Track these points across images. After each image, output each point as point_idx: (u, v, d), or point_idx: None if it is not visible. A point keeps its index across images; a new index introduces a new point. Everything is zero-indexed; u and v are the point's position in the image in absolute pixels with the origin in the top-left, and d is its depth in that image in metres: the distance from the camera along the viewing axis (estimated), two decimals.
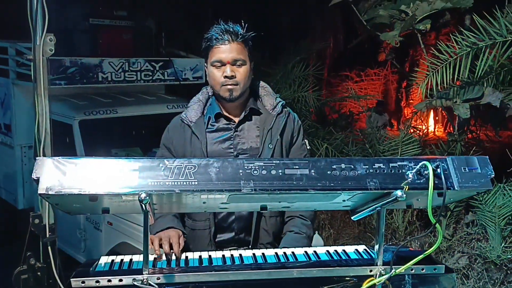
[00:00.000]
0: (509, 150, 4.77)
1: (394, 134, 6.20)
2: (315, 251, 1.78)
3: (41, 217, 2.37)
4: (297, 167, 1.34)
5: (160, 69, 5.54)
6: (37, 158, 1.30)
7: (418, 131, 6.04)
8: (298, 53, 7.14)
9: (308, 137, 6.21)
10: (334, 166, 1.35)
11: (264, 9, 8.05)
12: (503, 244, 4.43)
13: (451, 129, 5.37)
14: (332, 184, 1.33)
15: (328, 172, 1.34)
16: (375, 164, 1.37)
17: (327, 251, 1.78)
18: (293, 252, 1.77)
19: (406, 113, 10.58)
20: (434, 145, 5.40)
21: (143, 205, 1.26)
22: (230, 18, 2.09)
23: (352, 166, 1.36)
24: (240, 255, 1.74)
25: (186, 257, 1.75)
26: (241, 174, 1.31)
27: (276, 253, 1.77)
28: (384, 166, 1.37)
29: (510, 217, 4.41)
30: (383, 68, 10.97)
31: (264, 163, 1.33)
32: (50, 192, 1.23)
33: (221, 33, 1.97)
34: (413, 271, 1.48)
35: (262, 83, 2.20)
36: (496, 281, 4.41)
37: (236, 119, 2.10)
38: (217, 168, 1.31)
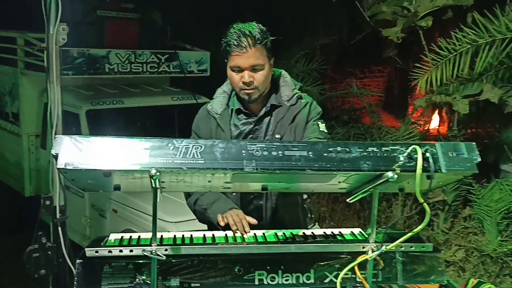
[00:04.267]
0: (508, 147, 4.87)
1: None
2: (312, 232, 1.89)
3: (52, 199, 2.48)
4: (296, 149, 1.44)
5: (166, 61, 5.64)
6: (56, 136, 1.40)
7: (419, 127, 6.13)
8: (302, 48, 7.22)
9: None
10: (330, 149, 1.45)
11: (268, 3, 8.12)
12: (499, 238, 4.51)
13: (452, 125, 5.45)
14: (328, 165, 1.43)
15: (324, 154, 1.44)
16: (369, 148, 1.47)
17: (324, 232, 1.89)
18: (291, 233, 1.87)
19: (411, 110, 10.61)
20: (434, 140, 5.47)
21: (153, 181, 1.37)
22: (234, 11, 2.16)
23: (348, 149, 1.46)
24: (242, 234, 1.85)
25: (191, 235, 1.86)
26: (244, 154, 1.42)
27: (275, 233, 1.87)
28: (377, 150, 1.47)
29: (506, 212, 4.49)
30: (387, 65, 11.01)
31: (265, 144, 1.44)
32: (68, 167, 1.33)
33: (238, 39, 1.99)
34: (402, 248, 1.59)
35: (283, 73, 2.25)
36: (492, 274, 4.50)
37: (257, 113, 2.17)
38: (222, 148, 1.42)
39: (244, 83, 2.04)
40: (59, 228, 2.50)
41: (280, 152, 1.43)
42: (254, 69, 2.04)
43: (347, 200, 1.72)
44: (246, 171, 1.40)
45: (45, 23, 2.44)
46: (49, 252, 2.45)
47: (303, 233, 1.89)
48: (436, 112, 5.94)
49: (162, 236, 1.79)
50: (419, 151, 1.41)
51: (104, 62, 5.20)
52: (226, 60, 2.10)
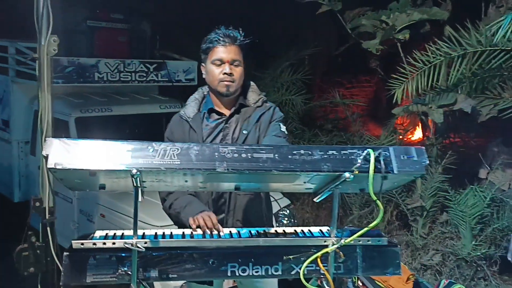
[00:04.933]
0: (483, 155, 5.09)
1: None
2: (284, 230, 2.05)
3: (42, 201, 2.62)
4: (264, 151, 1.61)
5: (154, 70, 5.79)
6: (46, 139, 1.56)
7: (399, 135, 6.32)
8: (288, 59, 7.42)
9: (294, 139, 6.49)
10: (294, 152, 1.62)
11: (256, 15, 8.33)
12: (473, 242, 4.69)
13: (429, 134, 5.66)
14: (292, 166, 1.60)
15: (289, 157, 1.61)
16: (329, 151, 1.64)
17: (295, 229, 2.05)
18: (264, 230, 2.03)
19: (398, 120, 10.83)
20: None
21: (134, 180, 1.52)
22: (223, 23, 2.39)
23: (310, 152, 1.63)
24: (218, 231, 2.00)
25: (171, 232, 2.01)
26: (216, 156, 1.58)
27: (249, 231, 2.03)
28: (336, 153, 1.64)
29: (480, 217, 4.68)
30: (373, 75, 11.25)
31: (236, 147, 1.60)
32: (57, 167, 1.49)
33: (222, 36, 2.30)
34: (360, 242, 1.76)
35: (252, 83, 2.51)
36: (467, 277, 4.67)
37: (227, 113, 2.39)
38: (197, 151, 1.58)
39: (225, 73, 2.28)
40: (48, 228, 2.63)
41: (249, 154, 1.60)
42: (234, 63, 2.30)
43: (314, 199, 1.89)
44: (218, 171, 1.56)
45: (37, 35, 2.59)
46: (38, 251, 2.58)
47: (275, 230, 2.05)
48: (418, 124, 6.15)
49: (144, 232, 1.94)
50: (372, 154, 1.58)
51: (93, 71, 5.33)
52: (203, 64, 2.34)
